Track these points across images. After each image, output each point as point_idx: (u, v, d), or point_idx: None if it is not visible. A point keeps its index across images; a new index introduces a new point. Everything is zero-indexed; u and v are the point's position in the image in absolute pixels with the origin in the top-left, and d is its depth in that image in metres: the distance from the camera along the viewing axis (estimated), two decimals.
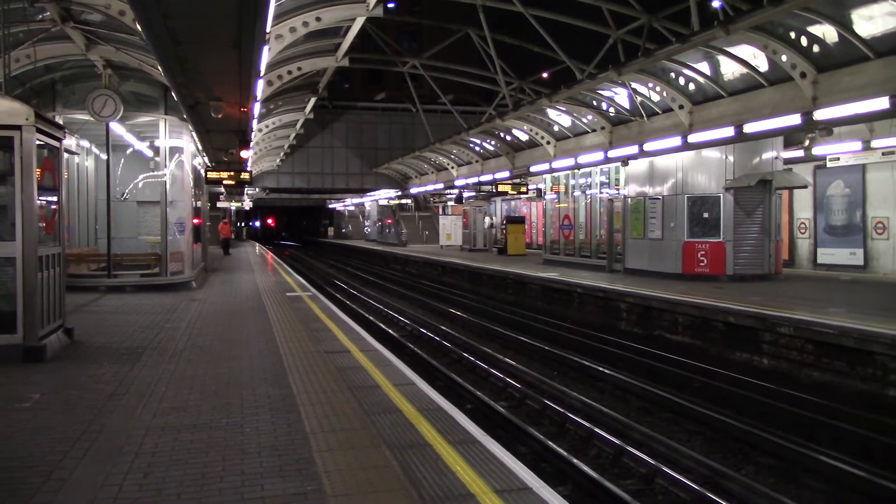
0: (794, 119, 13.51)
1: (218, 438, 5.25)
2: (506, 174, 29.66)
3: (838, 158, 18.86)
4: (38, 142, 7.95)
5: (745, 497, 6.49)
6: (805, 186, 18.54)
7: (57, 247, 8.87)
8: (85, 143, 17.81)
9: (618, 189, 20.86)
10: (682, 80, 17.51)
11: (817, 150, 18.47)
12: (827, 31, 13.19)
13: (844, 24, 12.68)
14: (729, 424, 8.57)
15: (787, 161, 18.81)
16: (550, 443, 7.84)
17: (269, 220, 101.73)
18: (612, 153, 19.83)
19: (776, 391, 9.90)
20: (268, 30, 9.60)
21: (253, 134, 20.15)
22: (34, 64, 13.12)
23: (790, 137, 18.22)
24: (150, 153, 18.00)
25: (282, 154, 44.39)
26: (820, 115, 13.03)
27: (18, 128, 7.68)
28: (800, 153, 18.91)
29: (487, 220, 36.33)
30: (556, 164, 23.44)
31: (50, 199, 9.01)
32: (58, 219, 9.11)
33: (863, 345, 9.79)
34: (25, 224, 7.74)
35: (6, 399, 6.33)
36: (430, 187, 41.60)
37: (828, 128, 14.41)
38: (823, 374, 10.50)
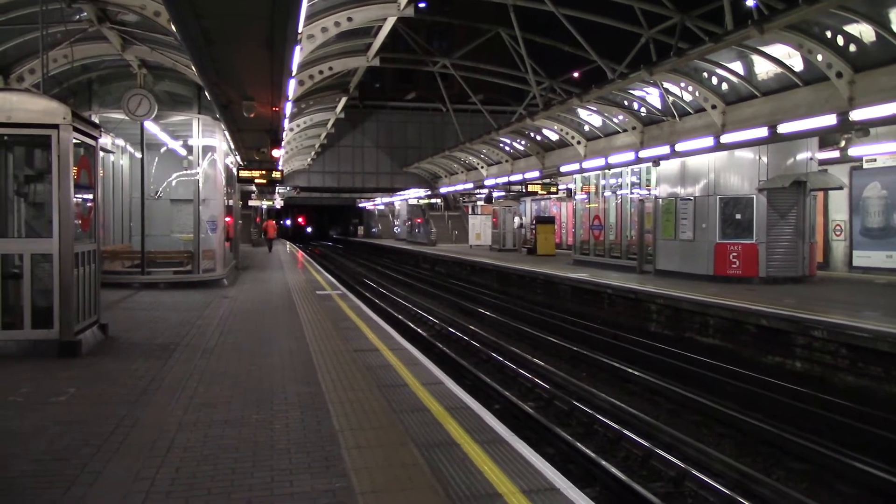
0: (830, 119, 13.30)
1: (248, 434, 5.31)
2: (536, 174, 29.57)
3: (875, 159, 18.53)
4: (74, 140, 8.09)
5: (776, 502, 6.41)
6: (840, 188, 18.22)
7: (92, 244, 9.02)
8: (120, 142, 18.09)
9: (649, 189, 20.68)
10: (714, 80, 17.31)
11: (853, 151, 18.13)
12: (864, 30, 12.96)
13: (882, 23, 12.45)
14: (760, 428, 8.47)
15: (822, 162, 18.51)
16: (578, 444, 7.81)
17: (300, 219, 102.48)
18: (643, 153, 19.68)
19: (809, 395, 9.76)
20: (300, 30, 9.67)
21: (284, 133, 20.28)
22: (71, 64, 13.36)
23: (825, 138, 17.92)
24: (183, 152, 18.23)
25: (312, 153, 44.67)
26: (856, 115, 12.82)
27: (56, 126, 7.82)
28: (835, 154, 18.61)
29: (517, 219, 36.22)
30: (586, 164, 23.32)
31: (86, 196, 9.18)
32: (93, 216, 9.28)
33: None
34: (62, 221, 7.88)
35: (42, 393, 6.46)
36: (459, 187, 41.60)
37: (864, 128, 14.14)
38: (858, 378, 10.32)
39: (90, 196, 9.27)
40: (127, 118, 14.29)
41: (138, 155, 17.32)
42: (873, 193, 19.14)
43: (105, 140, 14.06)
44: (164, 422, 5.59)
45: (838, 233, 20.45)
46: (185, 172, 17.46)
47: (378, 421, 5.66)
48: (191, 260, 16.64)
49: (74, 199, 8.19)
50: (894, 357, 9.71)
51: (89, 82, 16.02)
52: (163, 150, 18.39)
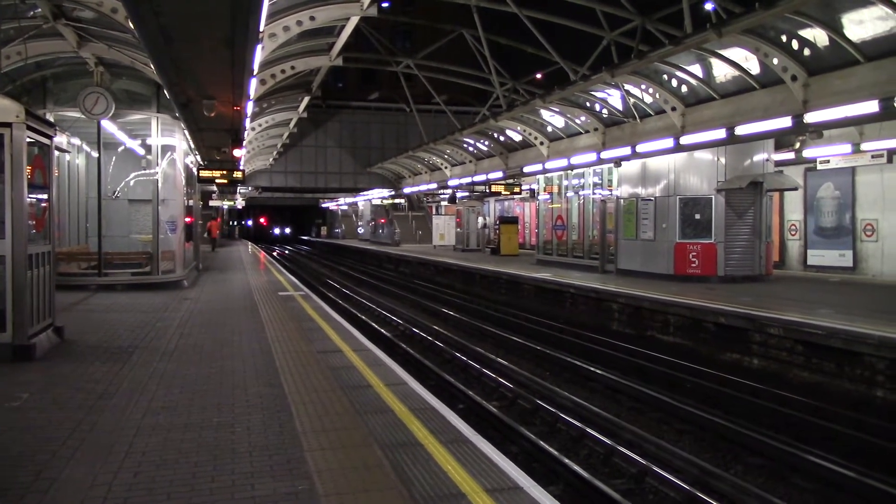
0: (785, 122, 13.57)
1: (209, 438, 5.24)
2: (499, 174, 29.68)
3: (828, 161, 18.96)
4: (28, 139, 7.90)
5: (734, 496, 6.53)
6: (795, 188, 18.62)
7: (47, 245, 8.83)
8: (76, 141, 17.71)
9: (610, 190, 20.89)
10: (674, 82, 17.56)
11: (808, 153, 18.58)
12: (818, 35, 13.25)
13: (835, 28, 12.75)
14: (719, 424, 8.61)
15: (778, 163, 18.89)
16: (542, 442, 7.85)
17: (262, 219, 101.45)
18: (604, 154, 19.86)
19: (766, 391, 9.96)
20: (261, 28, 9.57)
21: (246, 133, 20.08)
22: (25, 61, 13.05)
23: (781, 140, 18.29)
24: (141, 151, 17.93)
25: (275, 153, 44.30)
26: (810, 117, 13.10)
27: (9, 125, 7.63)
28: (790, 155, 19.00)
29: (481, 220, 36.31)
30: (549, 165, 23.46)
31: (40, 196, 8.98)
32: (48, 217, 9.08)
33: (850, 346, 9.84)
34: (15, 222, 7.69)
35: None
36: (423, 187, 41.57)
37: (818, 130, 14.51)
38: (812, 374, 10.55)
39: (45, 196, 9.07)
40: (83, 117, 14.01)
41: (95, 154, 16.97)
42: (826, 194, 19.59)
43: (60, 139, 13.72)
44: (122, 426, 5.49)
45: (793, 232, 20.90)
46: (143, 172, 17.16)
47: (341, 422, 5.63)
48: (149, 261, 16.37)
49: (28, 200, 8.00)
50: (846, 353, 9.95)
51: (44, 80, 15.67)
52: (120, 149, 18.04)
